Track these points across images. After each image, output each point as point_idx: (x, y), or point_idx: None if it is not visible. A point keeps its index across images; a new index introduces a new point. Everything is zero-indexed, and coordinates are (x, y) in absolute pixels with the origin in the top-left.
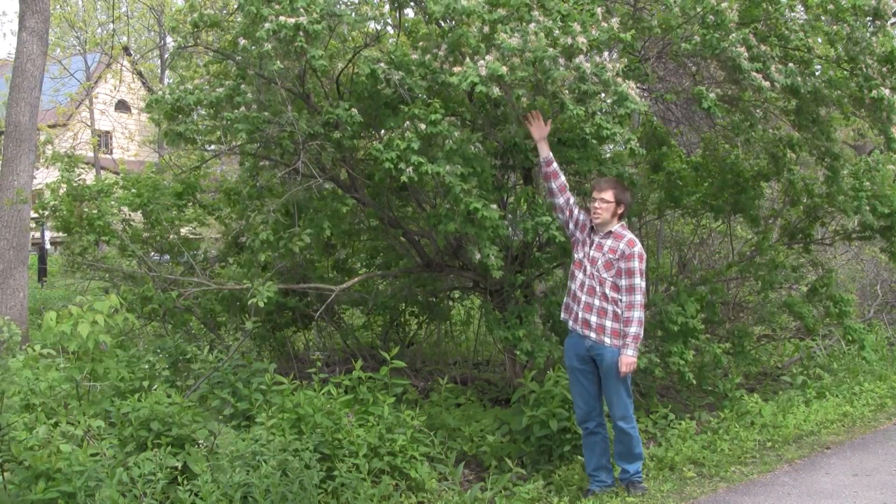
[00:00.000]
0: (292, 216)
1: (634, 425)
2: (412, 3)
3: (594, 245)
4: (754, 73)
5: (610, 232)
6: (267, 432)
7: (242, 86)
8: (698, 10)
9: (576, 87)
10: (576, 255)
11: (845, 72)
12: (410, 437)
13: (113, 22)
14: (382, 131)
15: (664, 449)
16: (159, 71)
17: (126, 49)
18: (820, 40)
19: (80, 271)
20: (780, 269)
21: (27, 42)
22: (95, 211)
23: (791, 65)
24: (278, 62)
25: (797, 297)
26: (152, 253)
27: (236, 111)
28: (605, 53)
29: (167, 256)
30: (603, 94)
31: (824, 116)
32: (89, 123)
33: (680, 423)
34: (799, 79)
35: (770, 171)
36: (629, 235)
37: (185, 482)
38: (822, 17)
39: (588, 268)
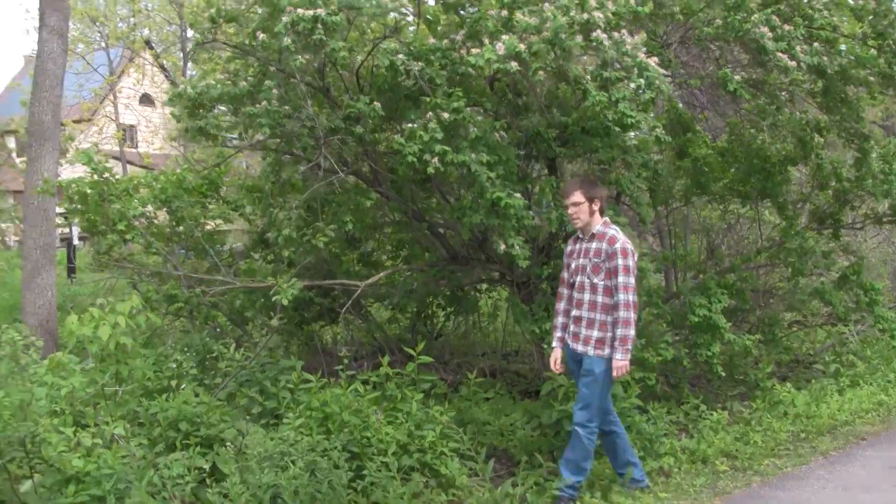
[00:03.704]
0: (315, 211)
1: (593, 438)
2: None
3: (582, 252)
4: (779, 54)
5: (593, 234)
6: (295, 432)
7: (266, 81)
8: None
9: (598, 73)
10: (564, 274)
11: (872, 49)
12: (440, 433)
13: (134, 16)
14: (404, 124)
15: (696, 441)
16: (182, 64)
17: (148, 43)
18: (845, 19)
19: (107, 269)
20: (809, 255)
21: (48, 41)
22: (118, 207)
23: (816, 44)
24: (298, 57)
25: (827, 284)
26: (178, 249)
27: (258, 106)
28: (624, 32)
29: (192, 253)
30: (626, 80)
31: (852, 96)
32: (114, 118)
33: (711, 415)
34: (825, 58)
35: (797, 155)
36: (611, 232)
37: (214, 484)
38: None
39: (579, 279)
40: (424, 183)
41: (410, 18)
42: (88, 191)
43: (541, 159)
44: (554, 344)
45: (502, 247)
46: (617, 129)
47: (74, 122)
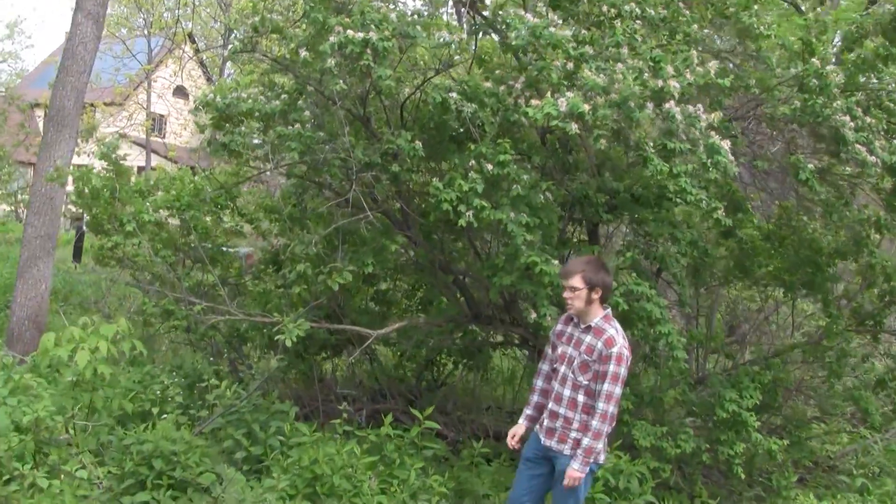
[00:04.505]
0: (335, 248)
1: None
2: (492, 31)
3: (573, 341)
4: (857, 146)
5: (590, 326)
6: (277, 493)
7: (300, 101)
8: (799, 70)
9: (661, 142)
10: (547, 349)
11: None
12: None
13: (178, 8)
14: (444, 166)
15: None
16: (221, 62)
17: (190, 36)
18: None
19: (109, 265)
20: (847, 357)
21: (81, 24)
22: (129, 209)
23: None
24: (340, 81)
25: (861, 388)
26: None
27: (290, 128)
28: (699, 107)
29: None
30: (688, 153)
31: None
32: (145, 106)
33: None
34: None
35: (849, 251)
36: (610, 332)
37: None
38: None
39: (562, 371)
40: (456, 232)
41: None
42: (99, 186)
43: (583, 224)
44: (521, 420)
45: (533, 315)
46: (676, 201)
47: (105, 104)
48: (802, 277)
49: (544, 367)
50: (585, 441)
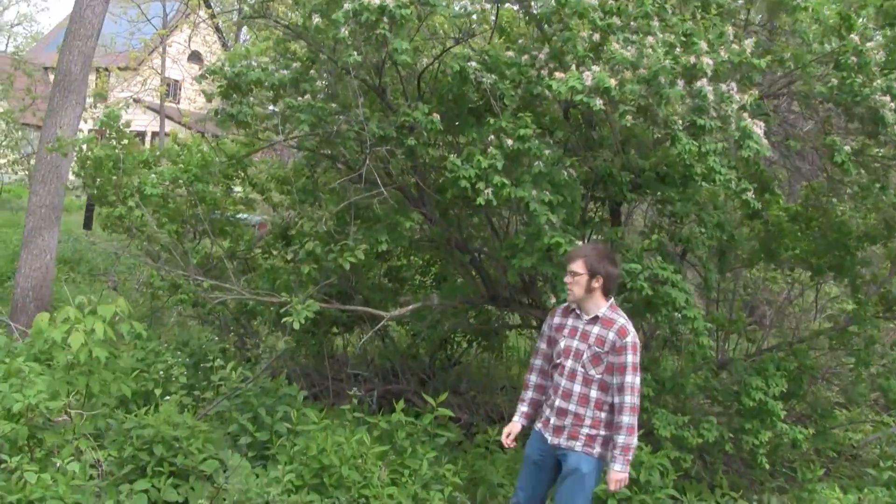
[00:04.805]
0: (346, 224)
1: None
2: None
3: (579, 334)
4: None
5: (596, 317)
6: (283, 486)
7: (311, 71)
8: (836, 47)
9: (690, 118)
10: (541, 345)
11: None
12: (448, 498)
13: None
14: (462, 139)
15: None
16: (236, 28)
17: (206, 0)
18: None
19: (118, 233)
20: (875, 343)
21: None
22: (133, 180)
23: None
24: (354, 53)
25: (888, 375)
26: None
27: (301, 98)
28: (733, 86)
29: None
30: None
31: None
32: (160, 71)
33: None
34: None
35: (879, 234)
36: (620, 321)
37: None
38: None
39: (569, 365)
40: (474, 207)
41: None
42: (102, 155)
43: (606, 203)
44: (516, 418)
45: (552, 300)
46: (702, 183)
47: (120, 69)
48: (830, 261)
49: (537, 362)
50: (621, 439)
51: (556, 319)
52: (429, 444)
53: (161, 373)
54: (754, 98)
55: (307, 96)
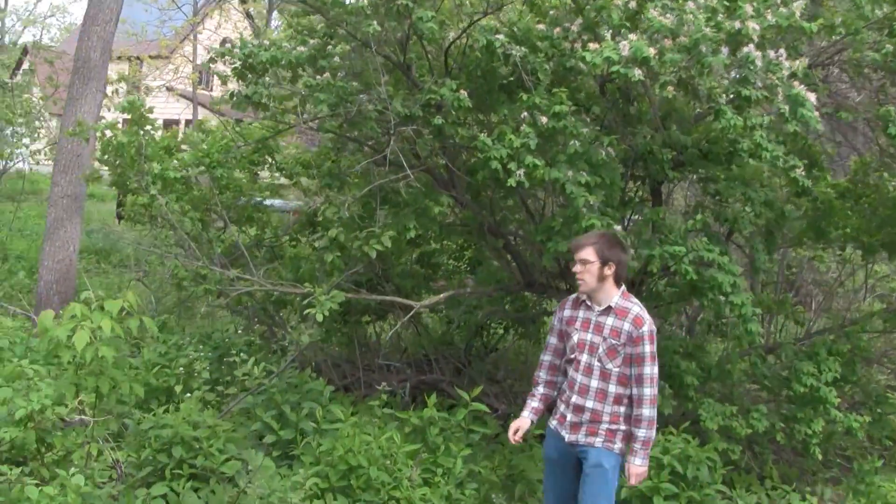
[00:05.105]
0: (372, 209)
1: None
2: None
3: (592, 326)
4: None
5: (609, 307)
6: (306, 491)
7: (329, 46)
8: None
9: (735, 90)
10: (552, 340)
11: None
12: (483, 497)
13: None
14: (492, 118)
15: None
16: (267, 13)
17: None
18: None
19: (142, 223)
20: None
21: None
22: (155, 166)
23: None
24: (374, 23)
25: None
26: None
27: (319, 77)
28: (782, 52)
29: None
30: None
31: None
32: (191, 59)
33: (802, 503)
34: None
35: None
36: (634, 310)
37: None
38: None
39: (584, 360)
40: (507, 188)
41: None
42: (124, 141)
43: (647, 182)
44: (525, 414)
45: None
46: (749, 159)
47: (151, 57)
48: (883, 238)
49: (546, 357)
50: (641, 433)
51: (567, 312)
52: (463, 439)
53: (181, 369)
54: (804, 66)
55: (326, 74)
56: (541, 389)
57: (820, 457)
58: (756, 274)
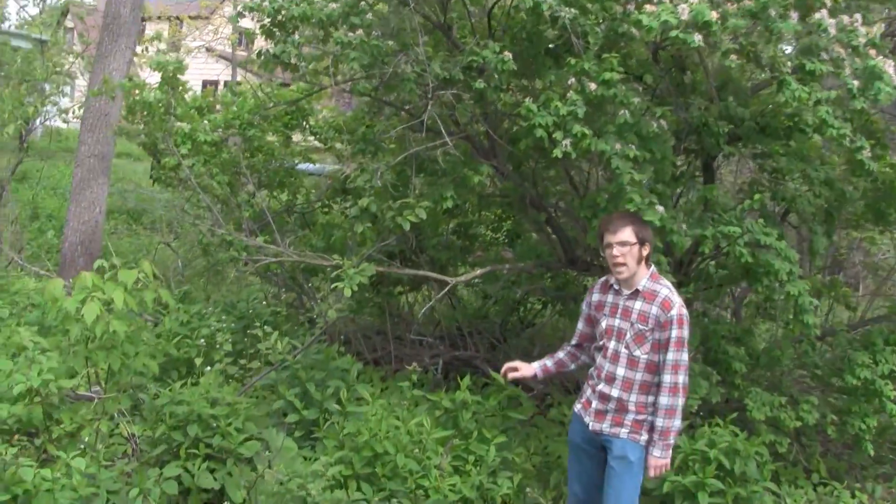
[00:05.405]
0: (406, 179)
1: None
2: None
3: (620, 311)
4: None
5: (637, 291)
6: (327, 480)
7: (363, 3)
8: None
9: (798, 61)
10: (580, 325)
11: None
12: (517, 487)
13: None
14: (538, 83)
15: None
16: None
17: None
18: None
19: (171, 186)
20: None
21: None
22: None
23: None
24: None
25: None
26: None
27: (351, 34)
28: (857, 18)
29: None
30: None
31: None
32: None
33: (852, 500)
34: None
35: None
36: (663, 292)
37: None
38: None
39: (612, 347)
40: (550, 158)
41: None
42: (153, 99)
43: (700, 156)
44: (535, 364)
45: None
46: (814, 135)
47: (191, 17)
48: None
49: (572, 343)
50: (659, 422)
51: (595, 296)
52: (498, 424)
53: (203, 340)
54: (881, 33)
55: (359, 31)
56: (561, 355)
57: (872, 452)
58: (813, 258)
